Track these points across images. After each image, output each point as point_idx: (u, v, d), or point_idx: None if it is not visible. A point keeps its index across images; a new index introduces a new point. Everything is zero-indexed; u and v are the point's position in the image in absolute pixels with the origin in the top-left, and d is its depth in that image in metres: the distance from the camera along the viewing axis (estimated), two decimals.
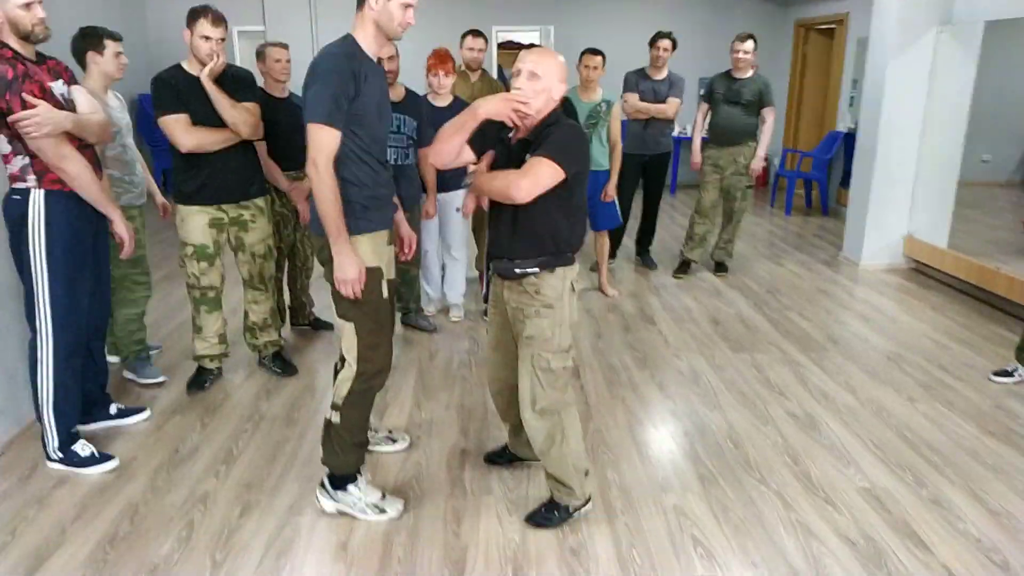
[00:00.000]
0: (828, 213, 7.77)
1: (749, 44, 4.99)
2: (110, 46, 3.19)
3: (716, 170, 5.26)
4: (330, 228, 2.22)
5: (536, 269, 2.30)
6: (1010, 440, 3.08)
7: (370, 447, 2.96)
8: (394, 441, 3.03)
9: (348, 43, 2.26)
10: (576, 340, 4.18)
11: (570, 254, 2.36)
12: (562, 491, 2.49)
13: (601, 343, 4.18)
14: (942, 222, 5.35)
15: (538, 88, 2.23)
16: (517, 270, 2.32)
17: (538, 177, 2.17)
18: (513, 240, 2.32)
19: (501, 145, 2.40)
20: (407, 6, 2.25)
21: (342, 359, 2.46)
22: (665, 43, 5.13)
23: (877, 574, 2.28)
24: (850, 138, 7.14)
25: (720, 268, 5.55)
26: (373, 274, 2.35)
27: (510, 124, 2.30)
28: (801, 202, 8.23)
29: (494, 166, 2.38)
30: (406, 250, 2.78)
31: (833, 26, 8.12)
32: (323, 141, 2.18)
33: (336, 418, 2.45)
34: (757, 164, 5.15)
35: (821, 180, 7.68)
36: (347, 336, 2.39)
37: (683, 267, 5.51)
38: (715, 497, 2.69)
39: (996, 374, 3.66)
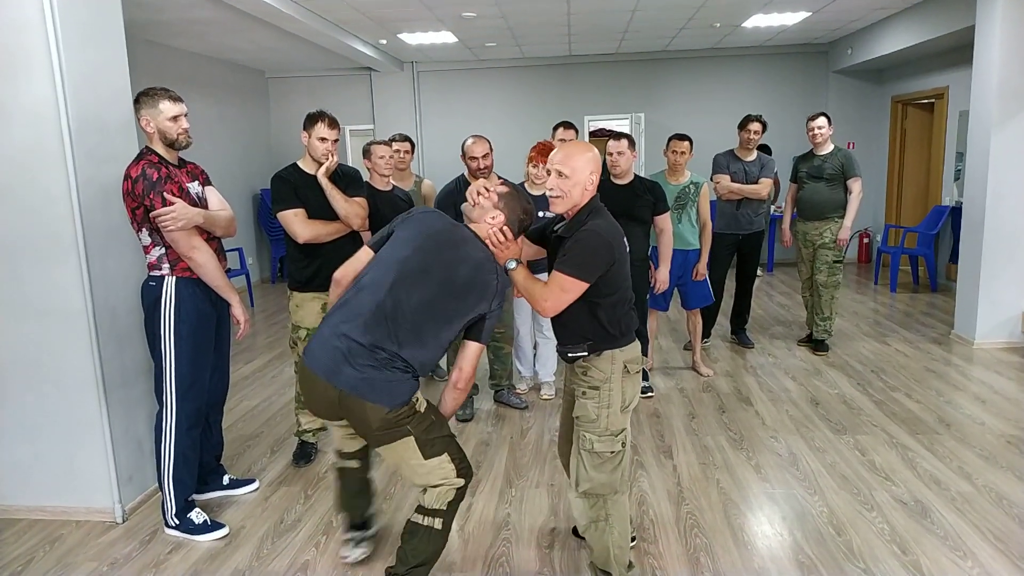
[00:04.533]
0: (938, 289, 7.42)
1: (821, 120, 5.12)
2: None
3: (807, 244, 5.30)
4: None
5: (584, 352, 2.35)
6: None
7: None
8: None
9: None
10: (667, 419, 4.17)
11: (620, 337, 2.36)
12: None
13: (695, 423, 4.12)
14: None
15: (567, 187, 2.28)
16: (569, 354, 2.39)
17: (560, 296, 2.26)
18: (560, 329, 2.41)
19: (551, 239, 2.48)
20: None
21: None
22: (755, 126, 5.22)
23: None
24: (957, 212, 6.87)
25: (819, 347, 5.39)
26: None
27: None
28: (908, 279, 7.92)
29: (548, 256, 2.49)
30: None
31: (932, 101, 7.96)
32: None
33: (439, 525, 2.36)
34: (844, 233, 5.13)
35: (928, 256, 7.38)
36: (441, 468, 2.34)
37: (816, 342, 5.44)
38: None
39: None
